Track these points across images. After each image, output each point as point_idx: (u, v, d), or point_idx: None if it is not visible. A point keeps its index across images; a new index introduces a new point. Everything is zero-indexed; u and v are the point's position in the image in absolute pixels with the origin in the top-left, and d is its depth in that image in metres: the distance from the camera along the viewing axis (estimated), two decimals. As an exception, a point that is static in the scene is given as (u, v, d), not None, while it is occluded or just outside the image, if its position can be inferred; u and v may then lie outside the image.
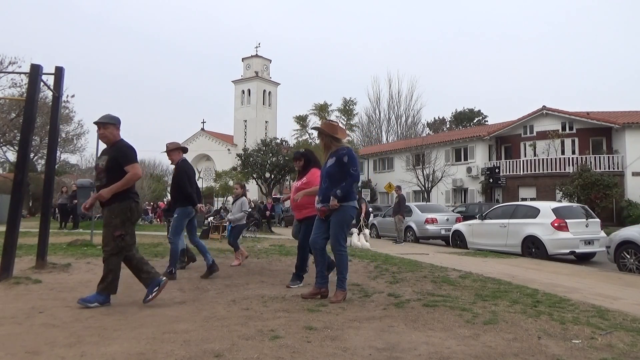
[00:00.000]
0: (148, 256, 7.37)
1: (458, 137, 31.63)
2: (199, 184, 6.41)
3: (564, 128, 26.73)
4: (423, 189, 29.16)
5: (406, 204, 14.97)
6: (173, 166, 6.05)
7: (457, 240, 12.80)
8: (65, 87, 10.62)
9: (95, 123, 4.25)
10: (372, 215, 17.11)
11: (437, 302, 4.25)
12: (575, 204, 12.56)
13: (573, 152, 26.23)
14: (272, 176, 33.15)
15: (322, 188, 4.50)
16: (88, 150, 32.78)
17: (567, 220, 9.81)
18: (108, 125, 4.23)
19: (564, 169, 24.59)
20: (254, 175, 33.06)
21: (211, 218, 14.38)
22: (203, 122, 57.08)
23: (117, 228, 4.07)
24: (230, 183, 38.42)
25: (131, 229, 4.24)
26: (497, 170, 27.52)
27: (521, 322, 3.58)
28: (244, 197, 7.67)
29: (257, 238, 13.56)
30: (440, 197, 29.88)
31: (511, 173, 27.33)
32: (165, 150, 6.04)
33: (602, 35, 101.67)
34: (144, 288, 4.83)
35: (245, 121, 55.86)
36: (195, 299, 4.44)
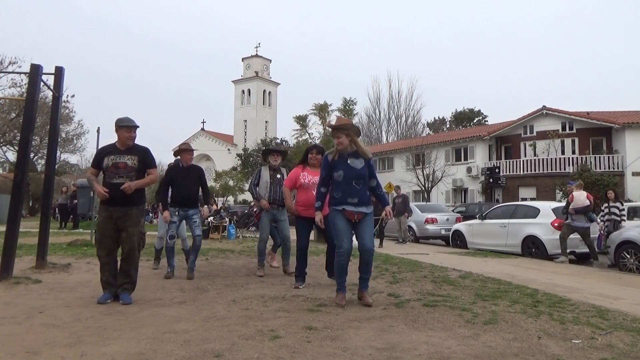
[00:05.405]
0: (149, 255, 7.36)
1: (458, 137, 31.60)
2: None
3: (564, 128, 26.71)
4: (423, 189, 29.15)
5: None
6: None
7: (457, 240, 12.80)
8: (65, 87, 10.64)
9: (133, 126, 4.34)
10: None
11: (437, 302, 4.25)
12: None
13: (573, 152, 26.21)
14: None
15: (355, 190, 4.16)
16: (88, 150, 32.67)
17: (567, 220, 9.80)
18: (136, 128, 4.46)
19: (564, 169, 24.57)
20: (255, 175, 33.00)
21: (211, 218, 14.35)
22: (203, 122, 57.17)
23: (142, 227, 4.55)
24: (231, 183, 38.33)
25: None
26: (497, 170, 27.50)
27: (521, 322, 3.58)
28: None
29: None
30: (440, 197, 29.85)
31: (511, 173, 27.31)
32: None
33: (603, 35, 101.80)
34: (144, 288, 4.82)
35: (245, 121, 55.89)
36: (195, 299, 4.44)
